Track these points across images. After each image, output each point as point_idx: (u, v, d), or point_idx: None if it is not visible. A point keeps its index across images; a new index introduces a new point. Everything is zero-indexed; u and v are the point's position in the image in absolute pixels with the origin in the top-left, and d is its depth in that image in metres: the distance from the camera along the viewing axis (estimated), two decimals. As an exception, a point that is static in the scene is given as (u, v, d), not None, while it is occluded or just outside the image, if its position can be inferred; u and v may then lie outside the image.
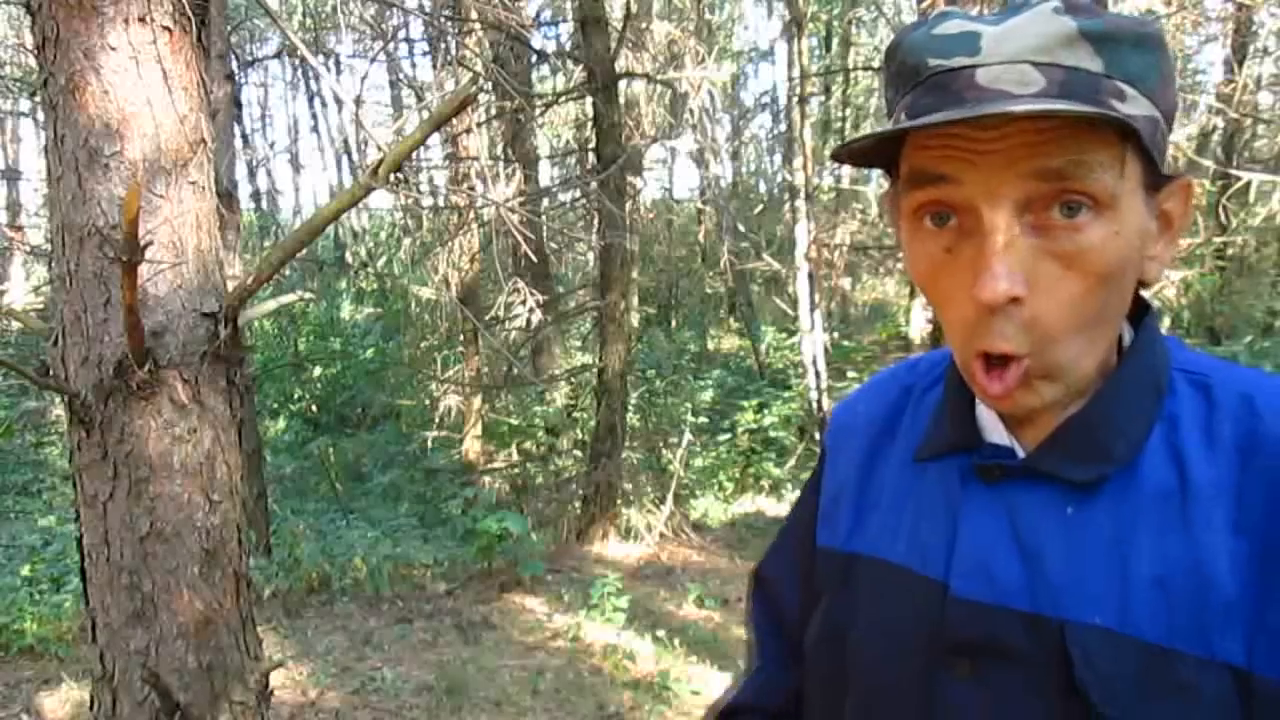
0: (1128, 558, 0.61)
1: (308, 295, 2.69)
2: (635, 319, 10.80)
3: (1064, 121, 0.56)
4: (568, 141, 10.92)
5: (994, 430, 0.68)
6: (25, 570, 5.29)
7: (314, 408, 11.75)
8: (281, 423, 11.05)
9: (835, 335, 12.11)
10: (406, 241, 11.76)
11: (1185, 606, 0.58)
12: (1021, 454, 0.66)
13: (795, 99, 9.28)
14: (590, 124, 7.83)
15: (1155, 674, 0.58)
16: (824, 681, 0.76)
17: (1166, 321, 8.88)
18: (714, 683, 4.38)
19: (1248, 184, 7.37)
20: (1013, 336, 0.59)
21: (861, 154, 0.64)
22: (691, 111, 8.60)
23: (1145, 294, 0.69)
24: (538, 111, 7.99)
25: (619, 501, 6.98)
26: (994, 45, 0.58)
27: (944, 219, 0.61)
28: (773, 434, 9.00)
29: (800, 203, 8.96)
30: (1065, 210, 0.57)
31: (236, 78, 8.94)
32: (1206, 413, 0.63)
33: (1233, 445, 0.61)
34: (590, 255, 10.60)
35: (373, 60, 10.62)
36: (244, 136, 18.49)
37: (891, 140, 0.62)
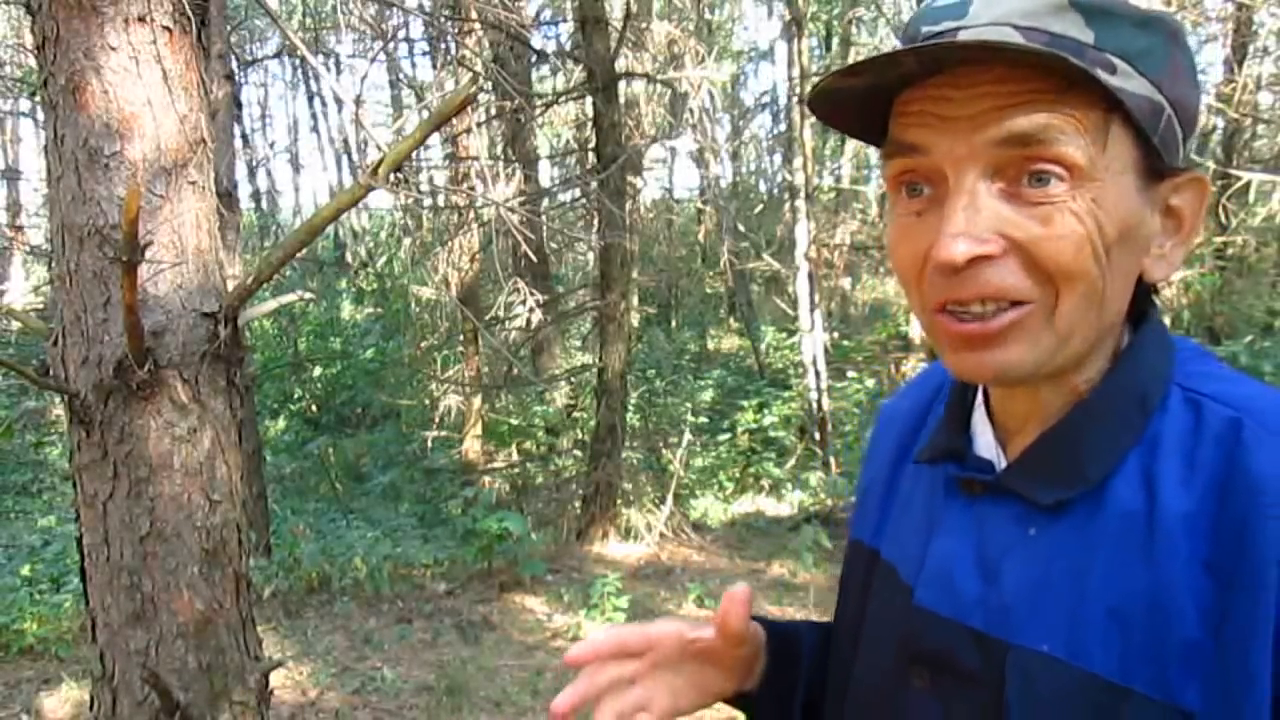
0: (1085, 585, 0.58)
1: (308, 295, 2.68)
2: (635, 319, 10.81)
3: (1038, 84, 0.54)
4: (568, 141, 10.91)
5: (983, 440, 0.67)
6: (25, 570, 5.29)
7: (314, 408, 11.77)
8: (281, 423, 11.07)
9: (835, 335, 12.10)
10: (406, 241, 11.76)
11: (1141, 640, 0.55)
12: (1002, 467, 0.65)
13: (795, 99, 9.30)
14: (590, 124, 7.83)
15: (1098, 709, 0.55)
16: (836, 673, 0.77)
17: (1166, 321, 8.87)
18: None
19: (1248, 184, 7.36)
20: (1001, 282, 0.55)
21: (850, 118, 0.62)
22: (691, 111, 8.59)
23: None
24: (538, 111, 7.99)
25: (619, 501, 6.97)
26: (981, 9, 0.57)
27: (918, 189, 0.59)
28: (773, 434, 9.01)
29: (800, 203, 8.97)
30: (1035, 180, 0.55)
31: (236, 78, 8.94)
32: (1192, 435, 0.58)
33: (1211, 475, 0.56)
34: (590, 255, 10.60)
35: (373, 60, 10.62)
36: (244, 136, 18.48)
37: (884, 115, 0.61)
